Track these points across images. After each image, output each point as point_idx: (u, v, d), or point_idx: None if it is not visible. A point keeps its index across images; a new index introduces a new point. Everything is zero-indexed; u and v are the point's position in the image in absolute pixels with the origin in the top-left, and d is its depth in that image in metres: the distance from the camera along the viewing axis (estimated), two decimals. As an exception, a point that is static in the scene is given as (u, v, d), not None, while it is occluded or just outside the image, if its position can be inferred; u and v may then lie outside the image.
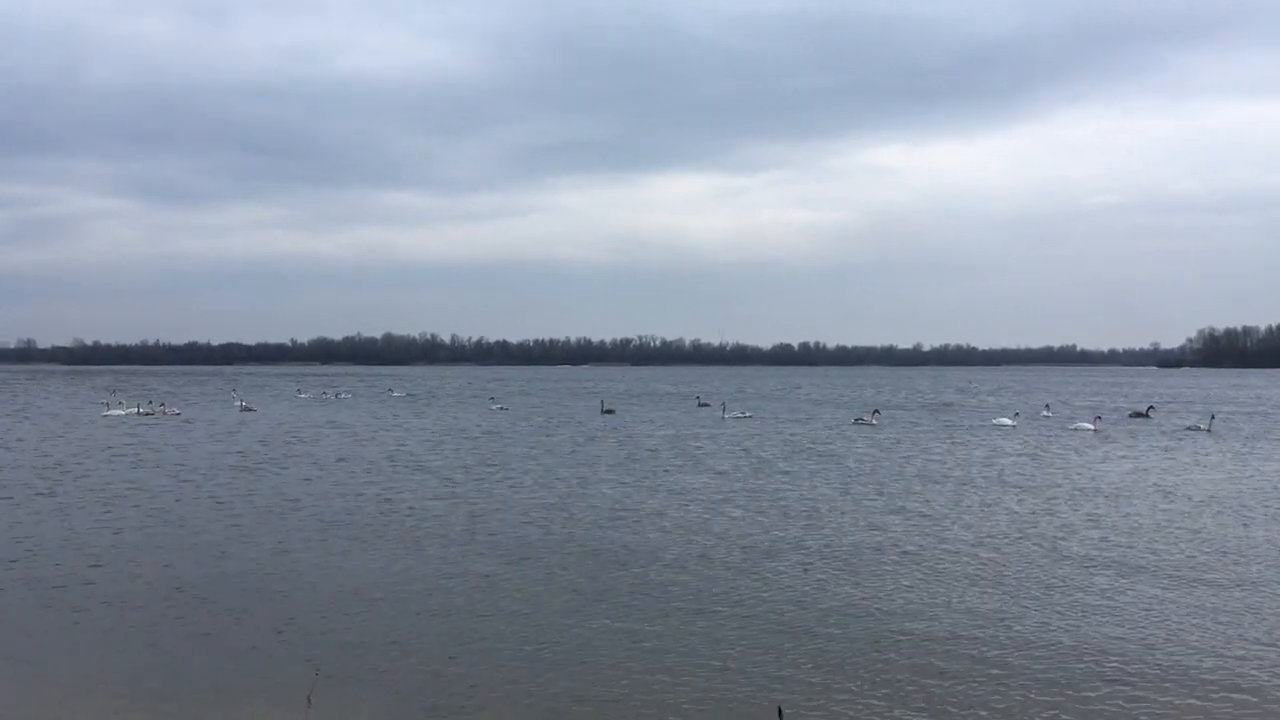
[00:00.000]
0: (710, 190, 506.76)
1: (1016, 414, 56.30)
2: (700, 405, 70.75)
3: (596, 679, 11.21)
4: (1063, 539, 18.97)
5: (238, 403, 69.05)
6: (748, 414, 60.18)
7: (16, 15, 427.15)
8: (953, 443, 40.65)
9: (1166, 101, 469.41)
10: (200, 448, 37.70)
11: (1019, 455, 35.31)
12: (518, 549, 18.05)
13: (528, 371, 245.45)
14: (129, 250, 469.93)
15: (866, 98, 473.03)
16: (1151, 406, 60.00)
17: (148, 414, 58.39)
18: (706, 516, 21.50)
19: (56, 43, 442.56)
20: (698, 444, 39.88)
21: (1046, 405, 66.08)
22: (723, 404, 70.26)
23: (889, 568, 16.43)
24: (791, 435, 44.81)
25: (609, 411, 63.21)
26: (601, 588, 15.18)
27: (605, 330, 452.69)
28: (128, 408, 60.26)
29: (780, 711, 9.27)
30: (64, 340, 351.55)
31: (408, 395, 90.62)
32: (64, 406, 69.76)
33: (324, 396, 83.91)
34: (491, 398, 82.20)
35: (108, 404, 64.25)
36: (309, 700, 10.35)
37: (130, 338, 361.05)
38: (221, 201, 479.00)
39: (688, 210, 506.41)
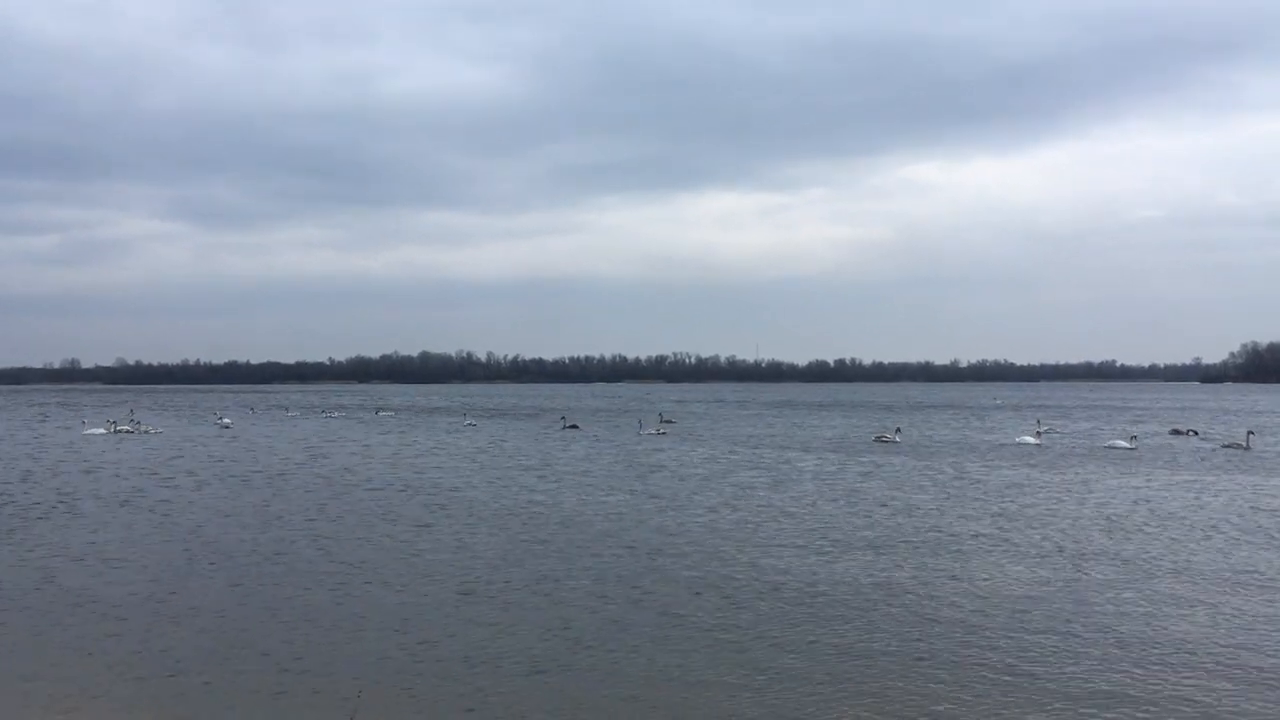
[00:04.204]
0: (750, 208, 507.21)
1: (1039, 432, 54.45)
2: (664, 422, 69.07)
3: (653, 699, 11.32)
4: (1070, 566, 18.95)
5: (219, 420, 71.69)
6: (663, 431, 60.16)
7: (85, 45, 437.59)
8: (963, 464, 40.42)
9: (1207, 116, 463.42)
10: (160, 460, 38.57)
11: (1023, 476, 35.18)
12: (552, 568, 18.16)
13: (561, 388, 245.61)
14: (176, 271, 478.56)
15: (906, 116, 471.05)
16: (1193, 430, 58.94)
17: (128, 432, 59.85)
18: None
19: (117, 70, 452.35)
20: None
21: (1038, 420, 64.89)
22: (639, 420, 70.74)
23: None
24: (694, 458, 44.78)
25: (572, 427, 64.62)
26: (640, 595, 15.29)
27: (641, 347, 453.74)
28: (108, 426, 61.74)
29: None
30: (107, 360, 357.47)
31: (396, 414, 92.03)
32: (53, 425, 71.44)
33: (324, 415, 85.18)
34: (464, 414, 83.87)
35: (86, 422, 66.51)
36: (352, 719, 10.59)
37: (173, 357, 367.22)
38: (270, 223, 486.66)
39: (726, 228, 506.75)
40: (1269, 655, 12.75)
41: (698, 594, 16.26)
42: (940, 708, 10.96)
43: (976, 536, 21.65)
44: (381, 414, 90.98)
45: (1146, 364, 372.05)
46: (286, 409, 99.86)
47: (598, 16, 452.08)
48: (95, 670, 12.54)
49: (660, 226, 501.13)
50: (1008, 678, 11.91)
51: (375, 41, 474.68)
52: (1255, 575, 17.53)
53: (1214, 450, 45.81)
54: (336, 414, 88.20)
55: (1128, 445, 46.54)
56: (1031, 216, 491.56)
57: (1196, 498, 28.26)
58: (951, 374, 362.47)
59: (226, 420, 71.72)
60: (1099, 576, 17.36)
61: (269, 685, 11.88)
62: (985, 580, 17.17)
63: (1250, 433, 49.65)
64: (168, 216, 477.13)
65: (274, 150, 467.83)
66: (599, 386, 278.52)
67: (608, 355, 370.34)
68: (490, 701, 11.30)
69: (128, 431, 60.15)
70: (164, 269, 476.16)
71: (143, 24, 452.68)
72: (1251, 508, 26.10)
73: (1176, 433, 57.49)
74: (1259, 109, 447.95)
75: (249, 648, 13.38)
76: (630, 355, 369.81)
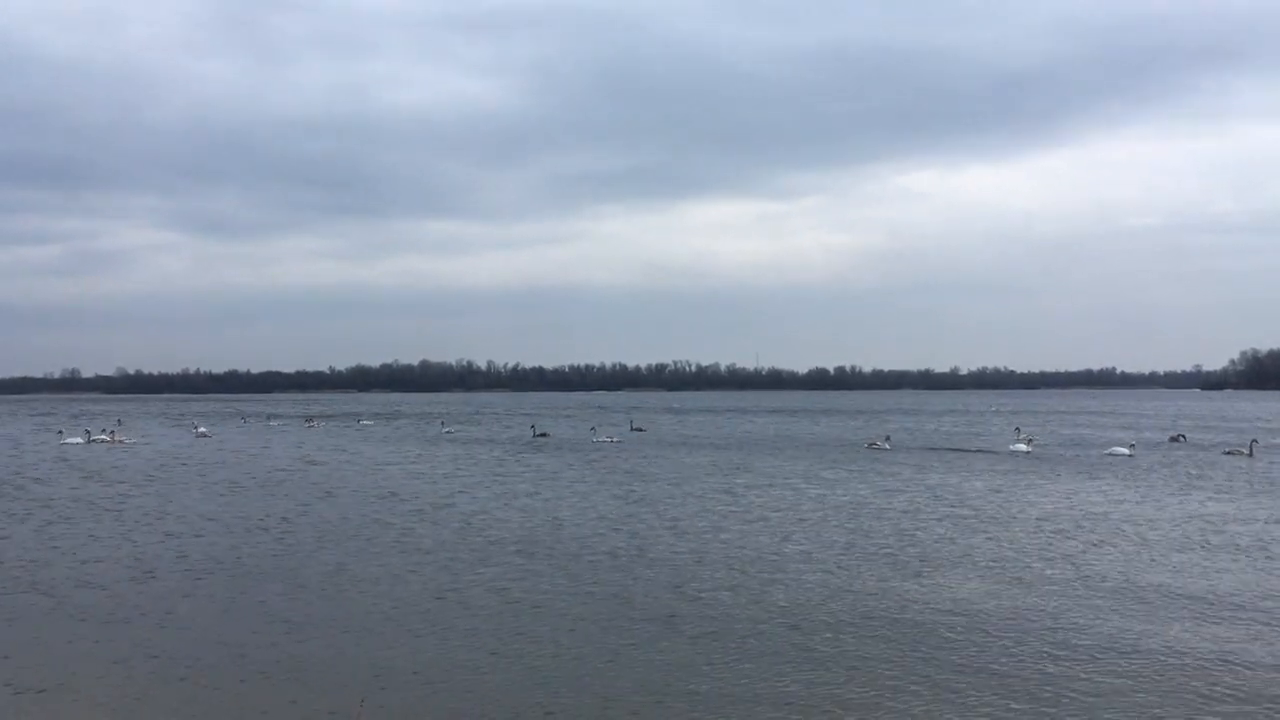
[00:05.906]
0: (747, 216, 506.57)
1: (1029, 439, 52.95)
2: (633, 429, 69.61)
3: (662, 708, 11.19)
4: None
5: (195, 429, 72.44)
6: (616, 439, 59.47)
7: (88, 57, 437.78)
8: (949, 472, 39.40)
9: (1204, 124, 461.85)
10: (139, 468, 38.17)
11: (1009, 485, 34.19)
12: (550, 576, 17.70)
13: (558, 397, 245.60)
14: (178, 282, 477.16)
15: (901, 124, 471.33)
16: (1182, 435, 57.95)
17: (106, 441, 60.31)
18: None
19: (120, 82, 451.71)
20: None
21: (1017, 429, 63.94)
22: (593, 427, 70.97)
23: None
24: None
25: (543, 435, 64.95)
26: (655, 609, 15.07)
27: (641, 355, 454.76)
28: (84, 436, 62.16)
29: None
30: (108, 370, 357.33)
31: (376, 422, 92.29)
32: (38, 436, 71.43)
33: (308, 426, 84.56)
34: (442, 422, 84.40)
35: (62, 432, 67.69)
36: (353, 729, 10.58)
37: (173, 366, 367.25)
38: (270, 233, 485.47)
39: (725, 236, 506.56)
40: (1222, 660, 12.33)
41: (662, 597, 16.24)
42: (890, 704, 11.12)
43: (943, 541, 21.48)
44: (363, 423, 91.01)
45: (1147, 371, 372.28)
46: (269, 418, 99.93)
47: (595, 28, 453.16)
48: (87, 675, 12.44)
49: (659, 235, 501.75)
50: (957, 678, 11.99)
51: (376, 53, 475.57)
52: (1230, 584, 17.00)
53: (1214, 457, 44.87)
54: (319, 423, 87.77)
55: (1126, 452, 45.83)
56: (1028, 224, 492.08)
57: (1186, 507, 27.68)
58: (951, 382, 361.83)
59: (203, 429, 72.34)
60: (1062, 585, 17.02)
61: (260, 694, 11.76)
62: (945, 584, 17.06)
63: (1254, 440, 48.71)
64: (169, 227, 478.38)
65: (275, 161, 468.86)
66: (599, 395, 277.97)
67: (608, 364, 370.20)
68: (487, 705, 11.27)
69: (104, 441, 60.60)
70: (165, 279, 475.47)
71: (146, 37, 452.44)
72: (1236, 517, 25.52)
73: (1175, 439, 56.63)
74: (1254, 116, 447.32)
75: (235, 655, 13.24)
76: (630, 364, 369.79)
